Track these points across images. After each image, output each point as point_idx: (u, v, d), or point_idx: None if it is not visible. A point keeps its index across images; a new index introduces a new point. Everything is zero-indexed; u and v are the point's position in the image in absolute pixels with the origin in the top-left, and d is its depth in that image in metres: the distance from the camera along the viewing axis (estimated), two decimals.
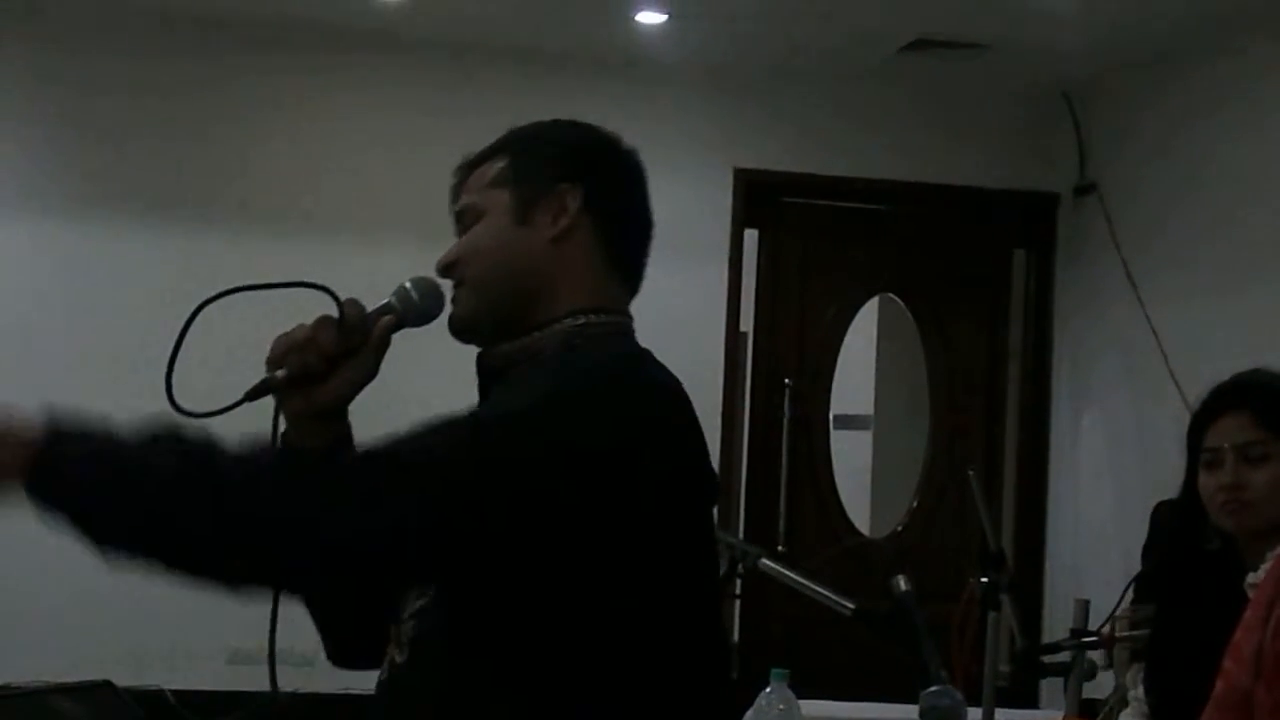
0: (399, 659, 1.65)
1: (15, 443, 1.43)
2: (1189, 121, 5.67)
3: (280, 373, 1.64)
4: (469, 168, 1.78)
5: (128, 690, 2.73)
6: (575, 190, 1.71)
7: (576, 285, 1.70)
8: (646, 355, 1.68)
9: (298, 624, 1.71)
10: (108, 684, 2.43)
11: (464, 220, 1.75)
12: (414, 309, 1.72)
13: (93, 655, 5.16)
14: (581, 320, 1.69)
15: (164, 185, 5.87)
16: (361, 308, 1.68)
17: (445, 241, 1.77)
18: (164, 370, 1.61)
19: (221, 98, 5.92)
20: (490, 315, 1.71)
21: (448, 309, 1.74)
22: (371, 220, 5.87)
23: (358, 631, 1.73)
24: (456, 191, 1.78)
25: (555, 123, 1.80)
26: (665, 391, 1.63)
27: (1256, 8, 5.15)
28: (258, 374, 1.65)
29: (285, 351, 1.64)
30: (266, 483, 1.47)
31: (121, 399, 6.26)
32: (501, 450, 1.49)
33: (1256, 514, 2.65)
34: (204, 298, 1.64)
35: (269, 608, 1.60)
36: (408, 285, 1.73)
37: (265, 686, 1.66)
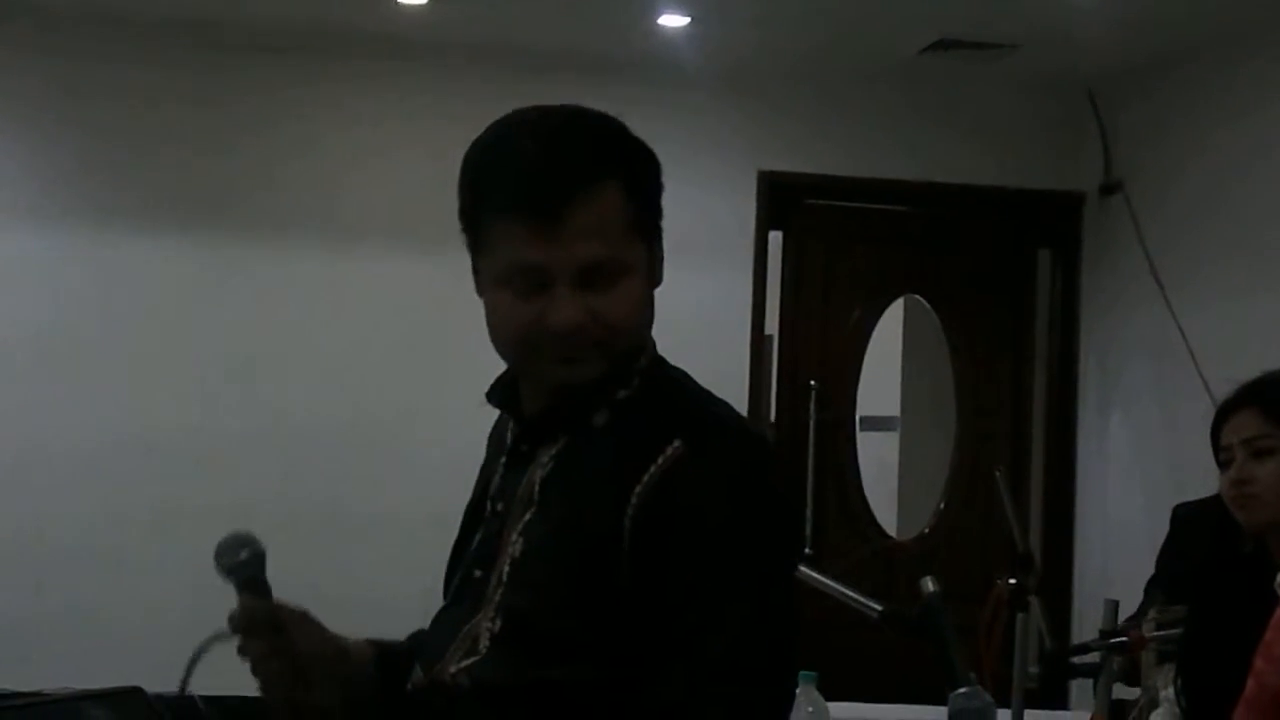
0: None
1: None
2: (1216, 119, 5.64)
3: None
4: (576, 182, 1.54)
5: (158, 697, 2.74)
6: (661, 233, 1.64)
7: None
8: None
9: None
10: (138, 690, 2.44)
11: (601, 272, 1.54)
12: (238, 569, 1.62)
13: (123, 661, 5.17)
14: (652, 356, 1.65)
15: (187, 192, 5.88)
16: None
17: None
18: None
19: (243, 104, 5.94)
20: (605, 375, 1.60)
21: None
22: (394, 226, 5.86)
23: None
24: (557, 203, 1.52)
25: (634, 137, 1.64)
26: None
27: None
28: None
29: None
30: None
31: (145, 403, 6.20)
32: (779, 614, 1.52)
33: (1265, 507, 2.63)
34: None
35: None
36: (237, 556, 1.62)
37: None
